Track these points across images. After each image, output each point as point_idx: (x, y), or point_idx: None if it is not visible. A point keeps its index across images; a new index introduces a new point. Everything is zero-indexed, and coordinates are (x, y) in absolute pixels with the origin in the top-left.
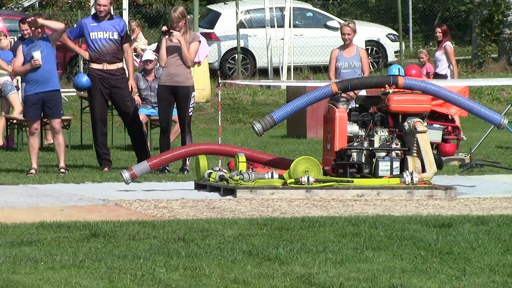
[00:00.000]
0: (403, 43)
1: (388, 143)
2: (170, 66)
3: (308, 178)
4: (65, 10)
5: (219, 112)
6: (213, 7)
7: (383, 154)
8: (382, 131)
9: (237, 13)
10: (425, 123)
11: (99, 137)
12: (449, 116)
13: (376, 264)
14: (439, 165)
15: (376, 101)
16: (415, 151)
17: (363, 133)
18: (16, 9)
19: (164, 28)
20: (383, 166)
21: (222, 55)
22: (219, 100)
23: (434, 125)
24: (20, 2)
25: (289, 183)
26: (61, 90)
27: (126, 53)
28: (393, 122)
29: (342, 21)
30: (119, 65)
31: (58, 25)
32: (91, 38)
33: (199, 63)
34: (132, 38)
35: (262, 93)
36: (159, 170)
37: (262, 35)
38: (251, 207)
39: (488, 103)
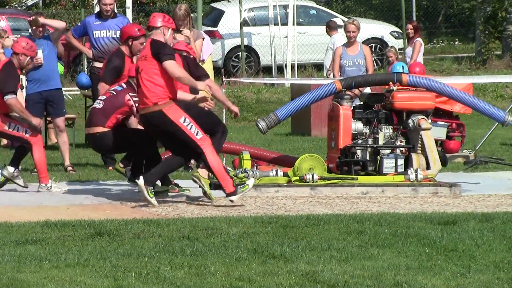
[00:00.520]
0: (406, 40)
1: (392, 141)
2: None
3: (312, 175)
4: (69, 9)
5: (224, 110)
6: (216, 5)
7: (388, 151)
8: (387, 129)
9: (240, 11)
10: (430, 120)
11: None
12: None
13: (381, 261)
14: (444, 162)
15: (380, 99)
16: (420, 148)
17: (368, 131)
18: (19, 8)
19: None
20: (388, 164)
21: (226, 53)
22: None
23: (438, 122)
24: (24, 1)
25: (293, 181)
26: (65, 88)
27: None
28: (398, 119)
29: (345, 19)
30: None
31: (59, 24)
32: (95, 36)
33: (203, 61)
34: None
35: (266, 91)
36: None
37: (266, 33)
38: (255, 205)
39: (492, 100)
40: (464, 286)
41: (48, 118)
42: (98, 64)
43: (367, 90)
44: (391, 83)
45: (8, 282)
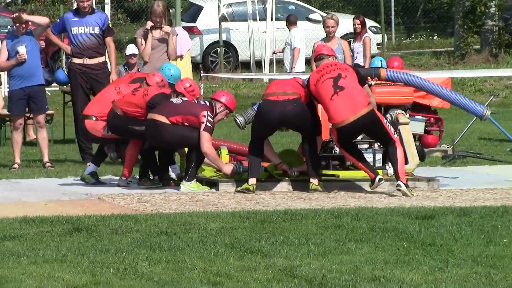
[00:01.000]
0: (385, 35)
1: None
2: (155, 61)
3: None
4: (48, 5)
5: None
6: (195, 0)
7: (366, 146)
8: None
9: (219, 6)
10: (408, 115)
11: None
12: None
13: (358, 256)
14: (422, 156)
15: None
16: None
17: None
18: None
19: (150, 23)
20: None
21: (204, 48)
22: (202, 93)
23: (416, 116)
24: None
25: (275, 174)
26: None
27: (109, 46)
28: None
29: (324, 14)
30: (100, 59)
31: (42, 20)
32: (73, 33)
33: (181, 56)
34: None
35: (245, 86)
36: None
37: (244, 28)
38: (234, 200)
39: (471, 94)
40: (442, 280)
41: (27, 114)
42: (77, 60)
43: None
44: (369, 78)
45: None
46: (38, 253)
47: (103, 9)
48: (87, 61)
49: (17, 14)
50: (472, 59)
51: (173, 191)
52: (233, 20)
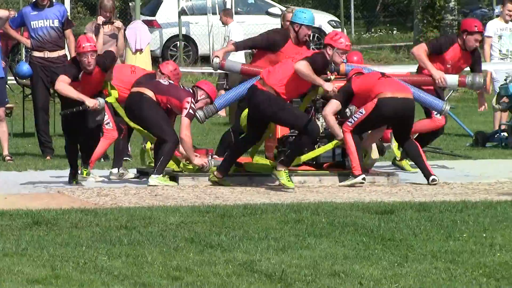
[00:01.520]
0: (345, 29)
1: (329, 130)
2: None
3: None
4: None
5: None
6: None
7: (325, 140)
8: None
9: (178, 0)
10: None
11: (41, 125)
12: None
13: (318, 251)
14: (381, 151)
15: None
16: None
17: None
18: None
19: (102, 18)
20: (325, 153)
21: (164, 42)
22: None
23: None
24: None
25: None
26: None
27: (68, 39)
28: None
29: (283, 8)
30: (61, 52)
31: (2, 13)
32: (32, 27)
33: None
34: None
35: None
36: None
37: (204, 22)
38: (193, 195)
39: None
40: (401, 275)
41: None
42: (37, 54)
43: None
44: (328, 72)
45: None
46: None
47: (62, 2)
48: (48, 54)
49: None
50: None
51: (132, 185)
52: (193, 13)
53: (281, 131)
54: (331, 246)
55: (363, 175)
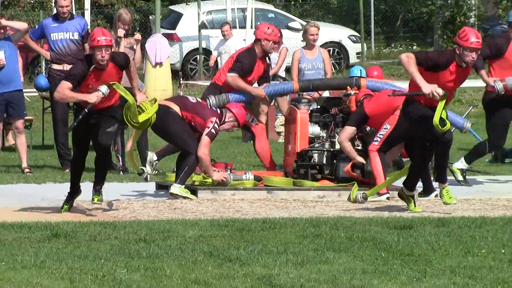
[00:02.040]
0: (365, 44)
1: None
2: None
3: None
4: (27, 10)
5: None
6: (175, 7)
7: (344, 155)
8: None
9: (198, 14)
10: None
11: (60, 137)
12: None
13: (336, 265)
14: (400, 166)
15: (338, 103)
16: None
17: (325, 134)
18: None
19: (123, 31)
20: (344, 167)
21: (184, 55)
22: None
23: None
24: None
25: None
26: (23, 90)
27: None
28: None
29: (304, 22)
30: None
31: (21, 25)
32: (52, 39)
33: (160, 63)
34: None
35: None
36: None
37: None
38: (212, 208)
39: (450, 105)
40: None
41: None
42: (57, 66)
43: (326, 94)
44: (349, 87)
45: None
46: (16, 259)
47: (82, 15)
48: (67, 67)
49: None
50: None
51: (151, 198)
52: (213, 27)
53: (300, 145)
54: (350, 260)
55: (388, 195)
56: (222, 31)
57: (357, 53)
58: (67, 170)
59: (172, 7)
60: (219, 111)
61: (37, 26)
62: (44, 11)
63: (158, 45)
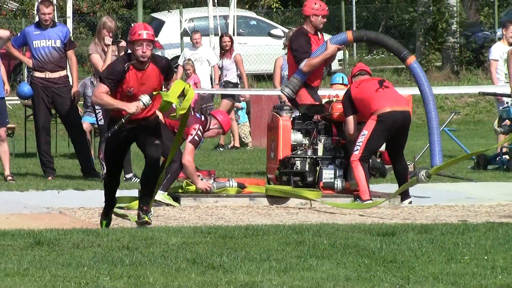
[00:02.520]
0: (346, 51)
1: (331, 152)
2: None
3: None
4: (9, 18)
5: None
6: (157, 15)
7: (327, 162)
8: (326, 140)
9: (181, 21)
10: None
11: (42, 145)
12: None
13: (320, 272)
14: (383, 173)
15: (320, 110)
16: None
17: (307, 142)
18: None
19: (110, 39)
20: (327, 175)
21: None
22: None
23: None
24: None
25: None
26: (5, 98)
27: (70, 60)
28: (337, 130)
29: (286, 30)
30: (62, 73)
31: (3, 32)
32: (34, 46)
33: None
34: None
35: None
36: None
37: (206, 43)
38: (195, 215)
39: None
40: None
41: None
42: (39, 74)
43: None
44: (330, 94)
45: None
46: None
47: (65, 22)
48: (49, 74)
49: None
50: (433, 76)
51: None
52: None
53: (282, 152)
54: (333, 267)
55: (371, 201)
56: (192, 39)
57: (339, 60)
58: (50, 178)
59: (154, 15)
60: (203, 118)
61: (19, 34)
62: (26, 19)
63: None
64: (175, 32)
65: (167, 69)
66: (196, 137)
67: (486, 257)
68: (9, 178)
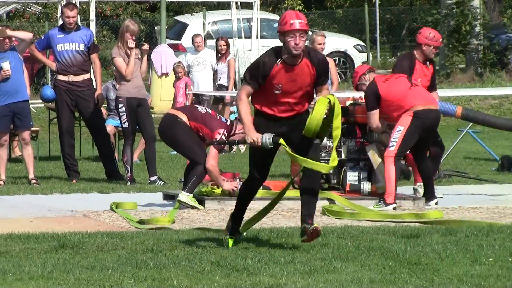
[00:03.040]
0: (370, 53)
1: (356, 154)
2: (136, 79)
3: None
4: (33, 22)
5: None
6: (180, 18)
7: (351, 164)
8: (350, 142)
9: (204, 24)
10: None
11: (66, 148)
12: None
13: (344, 274)
14: (407, 175)
15: (344, 112)
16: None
17: (331, 144)
18: None
19: (133, 42)
20: (351, 177)
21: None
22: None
23: None
24: None
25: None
26: (29, 101)
27: (94, 63)
28: (361, 132)
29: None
30: (85, 76)
31: (26, 35)
32: (58, 49)
33: (166, 74)
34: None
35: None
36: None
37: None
38: (219, 218)
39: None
40: None
41: (12, 131)
42: (62, 77)
43: None
44: (354, 97)
45: None
46: (23, 270)
47: (88, 26)
48: (72, 78)
49: (0, 28)
50: (457, 78)
51: (158, 208)
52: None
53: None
54: (357, 270)
55: (395, 205)
56: (194, 43)
57: (363, 62)
58: (74, 181)
59: (177, 18)
60: (228, 122)
61: (43, 37)
62: (50, 22)
63: (164, 56)
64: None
65: (323, 67)
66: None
67: (510, 259)
68: (33, 181)
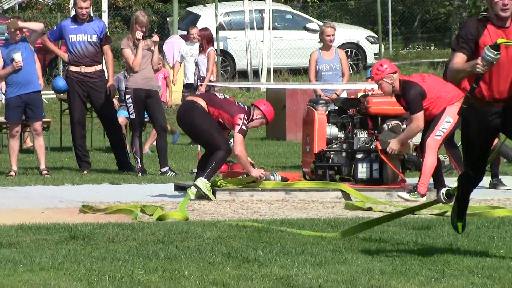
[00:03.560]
0: (382, 45)
1: (367, 145)
2: (145, 70)
3: None
4: (45, 13)
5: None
6: (192, 9)
7: (362, 156)
8: (361, 133)
9: (216, 15)
10: (404, 125)
11: (78, 139)
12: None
13: (355, 266)
14: (418, 167)
15: (355, 103)
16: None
17: (342, 135)
18: None
19: (141, 33)
20: (363, 168)
21: None
22: None
23: None
24: (0, 4)
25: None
26: (41, 92)
27: (106, 55)
28: (372, 124)
29: (321, 23)
30: (98, 67)
31: (37, 25)
32: (70, 40)
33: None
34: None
35: (242, 95)
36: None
37: (242, 37)
38: (230, 209)
39: None
40: None
41: (24, 122)
42: (74, 68)
43: (344, 94)
44: (365, 88)
45: None
46: (34, 261)
47: (100, 17)
48: (84, 69)
49: (11, 19)
50: None
51: (169, 199)
52: (231, 29)
53: (318, 146)
54: (368, 261)
55: (426, 195)
56: (190, 34)
57: (375, 54)
58: (85, 172)
59: (189, 9)
60: (246, 108)
61: (55, 27)
62: (62, 13)
63: (176, 47)
64: (211, 26)
65: None
66: (243, 127)
67: None
68: (45, 172)
